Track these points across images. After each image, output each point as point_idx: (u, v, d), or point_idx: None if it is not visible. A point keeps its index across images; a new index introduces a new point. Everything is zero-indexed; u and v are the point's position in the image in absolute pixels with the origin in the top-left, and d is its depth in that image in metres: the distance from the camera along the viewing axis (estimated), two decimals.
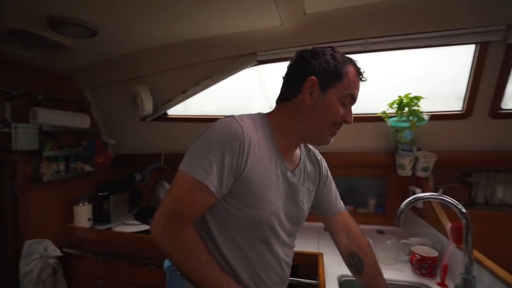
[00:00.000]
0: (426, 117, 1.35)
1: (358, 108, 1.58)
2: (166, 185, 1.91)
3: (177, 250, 0.66)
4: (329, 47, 0.77)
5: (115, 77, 1.74)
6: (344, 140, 1.67)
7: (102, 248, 1.67)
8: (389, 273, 1.18)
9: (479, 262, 0.95)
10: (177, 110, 1.90)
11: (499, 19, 1.12)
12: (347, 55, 0.77)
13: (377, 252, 1.29)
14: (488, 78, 1.27)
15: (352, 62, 0.76)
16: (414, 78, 1.43)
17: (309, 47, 0.78)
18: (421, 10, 1.17)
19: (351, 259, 0.93)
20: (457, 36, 1.20)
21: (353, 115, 0.76)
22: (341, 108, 0.74)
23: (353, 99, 0.76)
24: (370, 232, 1.62)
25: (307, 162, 0.87)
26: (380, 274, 0.91)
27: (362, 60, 1.46)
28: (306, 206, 0.85)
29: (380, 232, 1.64)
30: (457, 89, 1.39)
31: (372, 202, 1.79)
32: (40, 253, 1.56)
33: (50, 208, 1.69)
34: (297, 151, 0.84)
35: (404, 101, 1.36)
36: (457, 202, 0.95)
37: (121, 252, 1.62)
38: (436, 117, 1.41)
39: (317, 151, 0.95)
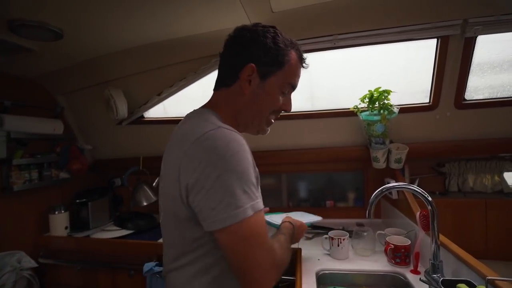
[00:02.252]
0: (396, 110, 1.39)
1: (331, 103, 1.64)
2: (146, 188, 1.88)
3: (279, 272, 0.63)
4: (272, 27, 0.71)
5: (88, 81, 1.70)
6: (319, 135, 1.70)
7: (81, 257, 1.62)
8: (366, 264, 1.20)
9: (446, 247, 0.98)
10: (157, 112, 1.89)
11: (456, 14, 1.17)
12: (291, 38, 0.72)
13: (355, 244, 1.32)
14: (450, 70, 1.33)
15: (295, 47, 0.72)
16: (383, 73, 1.48)
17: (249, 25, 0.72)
18: (385, 7, 1.20)
19: None
20: (419, 31, 1.24)
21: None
22: (280, 97, 0.72)
23: (293, 88, 0.74)
24: (350, 225, 1.65)
25: None
26: None
27: (332, 56, 1.51)
28: None
29: (360, 224, 1.67)
30: (424, 82, 1.44)
31: (351, 196, 1.83)
32: (13, 266, 1.50)
33: (23, 218, 1.63)
34: None
35: (375, 95, 1.40)
36: (422, 190, 0.98)
37: (100, 259, 1.59)
38: (405, 109, 1.45)
39: None
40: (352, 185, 1.84)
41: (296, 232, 0.91)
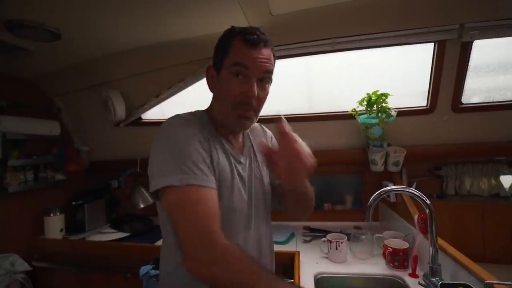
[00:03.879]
0: (393, 113, 1.40)
1: (329, 106, 1.64)
2: (143, 190, 1.86)
3: (231, 272, 0.56)
4: (230, 28, 0.73)
5: (85, 82, 1.69)
6: (317, 138, 1.70)
7: (76, 259, 1.60)
8: (364, 267, 1.20)
9: (444, 250, 0.98)
10: (154, 114, 1.88)
11: (453, 19, 1.19)
12: (239, 29, 0.70)
13: (353, 247, 1.32)
14: (448, 74, 1.34)
15: (238, 30, 0.70)
16: (381, 76, 1.48)
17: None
18: (383, 11, 1.22)
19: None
20: (417, 35, 1.25)
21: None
22: (236, 84, 0.68)
23: (245, 68, 0.67)
24: (348, 228, 1.64)
25: (251, 138, 0.85)
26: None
27: (330, 59, 1.51)
28: (266, 179, 0.84)
29: (358, 227, 1.66)
30: (422, 85, 1.45)
31: (349, 198, 1.83)
32: (6, 269, 1.47)
33: (18, 220, 1.61)
34: (240, 138, 0.82)
35: (373, 98, 1.40)
36: (421, 193, 0.98)
37: (96, 262, 1.56)
38: (403, 113, 1.46)
39: (264, 127, 0.94)
40: (350, 188, 1.84)
41: None
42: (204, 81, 1.52)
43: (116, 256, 1.53)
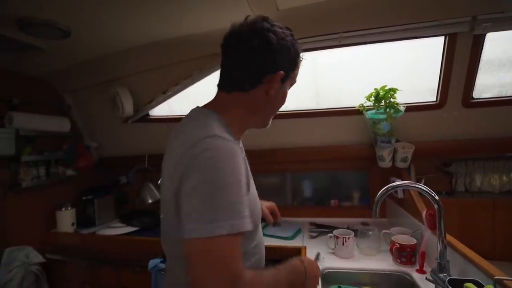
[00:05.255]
0: (402, 108, 1.38)
1: (336, 102, 1.63)
2: (152, 186, 1.89)
3: None
4: (287, 27, 0.70)
5: (94, 79, 1.72)
6: (324, 134, 1.70)
7: (87, 253, 1.64)
8: (371, 263, 1.20)
9: (452, 246, 0.97)
10: (162, 111, 1.90)
11: (465, 11, 1.16)
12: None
13: (360, 243, 1.32)
14: (458, 68, 1.31)
15: (300, 49, 0.73)
16: (389, 71, 1.46)
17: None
18: (392, 4, 1.19)
19: None
20: (427, 28, 1.23)
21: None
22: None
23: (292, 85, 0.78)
24: (354, 224, 1.64)
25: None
26: None
27: (337, 54, 1.50)
28: None
29: (365, 224, 1.66)
30: (430, 82, 1.43)
31: (356, 195, 1.82)
32: (21, 261, 1.52)
33: (31, 214, 1.66)
34: None
35: (381, 93, 1.39)
36: (429, 189, 0.97)
37: (106, 255, 1.60)
38: (412, 108, 1.44)
39: None
40: (357, 184, 1.83)
41: (308, 278, 0.73)
42: (211, 77, 1.55)
43: (125, 250, 1.57)
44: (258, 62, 0.66)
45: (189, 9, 1.11)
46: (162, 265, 1.41)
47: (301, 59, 0.74)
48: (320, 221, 1.70)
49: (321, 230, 1.56)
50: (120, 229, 1.73)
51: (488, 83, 1.48)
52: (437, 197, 0.95)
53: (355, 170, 1.81)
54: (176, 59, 1.53)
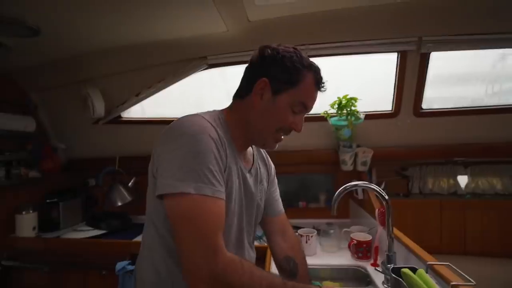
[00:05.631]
0: (361, 116, 1.51)
1: None
2: (122, 189, 1.86)
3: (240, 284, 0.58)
4: (293, 47, 0.72)
5: (64, 79, 1.69)
6: (293, 139, 1.77)
7: (50, 258, 1.57)
8: (332, 259, 1.29)
9: (399, 240, 1.09)
10: (135, 113, 1.89)
11: (412, 32, 1.32)
12: (311, 61, 0.72)
13: (323, 241, 1.41)
14: (409, 82, 1.47)
15: (313, 69, 0.71)
16: (351, 81, 1.60)
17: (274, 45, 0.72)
18: (353, 21, 1.32)
19: (286, 263, 0.91)
20: (381, 45, 1.38)
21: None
22: (290, 115, 0.71)
23: (305, 108, 0.73)
24: (321, 224, 1.73)
25: (259, 161, 0.87)
26: (309, 282, 0.93)
27: None
28: (262, 204, 0.85)
29: (330, 224, 1.76)
30: (388, 91, 1.58)
31: (322, 197, 1.92)
32: None
33: None
34: (250, 149, 0.83)
35: (343, 102, 1.51)
36: (379, 188, 1.08)
37: (70, 259, 1.55)
38: (370, 116, 1.58)
39: (264, 150, 0.94)
40: (324, 186, 1.94)
41: None
42: (185, 81, 1.59)
43: (91, 253, 1.53)
44: (251, 70, 0.73)
45: (163, 15, 1.16)
46: (129, 267, 1.40)
47: (318, 82, 0.71)
48: (296, 223, 1.77)
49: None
50: (86, 233, 1.69)
51: (437, 96, 1.67)
52: (386, 196, 1.06)
53: (322, 173, 1.92)
54: (150, 63, 1.56)
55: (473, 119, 1.61)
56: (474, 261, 1.58)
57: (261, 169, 0.86)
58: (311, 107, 0.74)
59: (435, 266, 0.81)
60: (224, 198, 0.63)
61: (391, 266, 0.96)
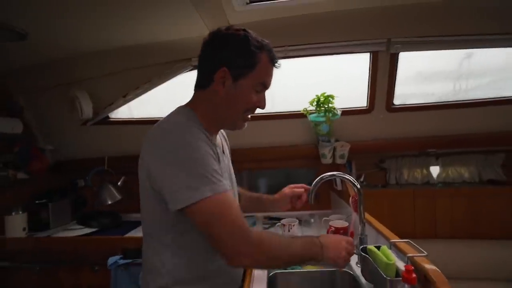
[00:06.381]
0: (338, 112, 1.62)
1: (285, 106, 1.83)
2: (111, 188, 1.91)
3: (268, 257, 0.72)
4: (243, 29, 0.75)
5: (51, 81, 1.72)
6: (278, 135, 1.89)
7: (41, 257, 1.61)
8: None
9: (370, 223, 1.19)
10: (122, 113, 1.94)
11: (382, 34, 1.43)
12: (262, 40, 0.76)
13: (304, 230, 1.51)
14: (381, 80, 1.59)
15: (266, 48, 0.75)
16: (328, 80, 1.70)
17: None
18: (327, 24, 1.42)
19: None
20: (354, 46, 1.48)
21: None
22: (253, 95, 0.76)
23: (265, 87, 0.79)
24: (303, 216, 1.83)
25: (221, 138, 0.94)
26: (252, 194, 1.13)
27: (284, 64, 1.69)
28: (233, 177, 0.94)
29: (312, 215, 1.87)
30: (363, 89, 1.69)
31: None
32: None
33: None
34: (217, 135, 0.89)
35: (321, 99, 1.61)
36: (352, 178, 1.17)
37: (63, 257, 1.59)
38: (347, 112, 1.69)
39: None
40: (307, 180, 2.02)
41: (324, 249, 0.80)
42: (170, 82, 1.65)
43: (83, 250, 1.58)
44: (208, 59, 0.77)
45: (147, 20, 1.22)
46: (121, 261, 1.46)
47: (272, 60, 0.76)
48: (274, 215, 1.87)
49: (272, 221, 1.73)
50: (77, 231, 1.73)
51: (412, 93, 1.80)
52: (357, 184, 1.16)
53: (306, 168, 2.02)
54: (136, 65, 1.61)
55: (443, 113, 1.74)
56: (444, 243, 1.72)
57: (224, 145, 0.93)
58: (270, 84, 0.80)
59: (397, 243, 0.91)
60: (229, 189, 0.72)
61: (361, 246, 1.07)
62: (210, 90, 0.77)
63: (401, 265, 0.84)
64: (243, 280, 0.96)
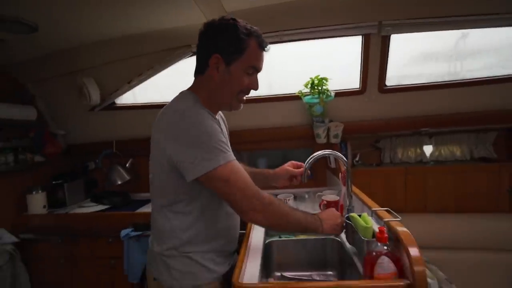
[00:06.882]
0: (332, 94, 1.69)
1: (281, 89, 1.90)
2: (120, 169, 2.05)
3: (277, 216, 0.84)
4: (232, 19, 0.83)
5: (60, 70, 1.82)
6: (276, 116, 1.98)
7: (60, 231, 1.78)
8: None
9: (356, 196, 1.30)
10: (127, 99, 2.04)
11: (373, 17, 1.47)
12: (250, 27, 0.84)
13: (299, 205, 1.63)
14: (374, 61, 1.64)
15: (254, 34, 0.83)
16: (321, 63, 1.76)
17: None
18: (320, 8, 1.47)
19: None
20: (347, 29, 1.53)
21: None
22: (245, 78, 0.85)
23: (256, 70, 0.87)
24: (301, 193, 1.95)
25: (222, 124, 1.02)
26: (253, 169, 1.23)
27: (280, 48, 1.75)
28: None
29: (308, 192, 1.98)
30: (357, 71, 1.75)
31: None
32: None
33: (2, 199, 1.75)
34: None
35: (315, 82, 1.68)
36: (340, 155, 1.27)
37: (79, 231, 1.76)
38: (341, 94, 1.76)
39: None
40: (304, 159, 2.13)
41: (323, 222, 0.96)
42: (171, 68, 1.74)
43: (98, 224, 1.74)
44: (203, 48, 0.86)
45: (148, 9, 1.29)
46: (133, 233, 1.62)
47: (261, 45, 0.84)
48: (273, 192, 1.99)
49: (269, 194, 1.85)
50: (91, 208, 1.88)
51: (406, 74, 1.84)
52: (345, 159, 1.26)
53: (302, 148, 2.12)
54: (139, 52, 1.70)
55: (435, 93, 1.78)
56: (433, 217, 1.83)
57: (222, 126, 1.00)
58: (261, 67, 0.88)
59: (377, 211, 1.02)
60: None
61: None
62: (206, 76, 0.87)
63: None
64: (240, 242, 1.08)
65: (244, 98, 0.92)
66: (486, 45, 1.81)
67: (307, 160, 1.28)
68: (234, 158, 0.82)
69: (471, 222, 1.78)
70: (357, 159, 2.14)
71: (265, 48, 0.87)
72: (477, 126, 1.92)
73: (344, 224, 1.05)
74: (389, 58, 1.62)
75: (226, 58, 0.83)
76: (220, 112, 1.04)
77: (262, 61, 0.88)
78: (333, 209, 1.09)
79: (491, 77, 1.73)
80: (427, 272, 1.20)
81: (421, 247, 0.77)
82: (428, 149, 2.06)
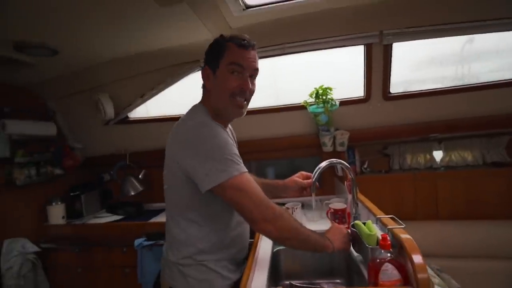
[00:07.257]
0: (336, 103, 1.72)
1: (288, 99, 1.95)
2: (134, 180, 2.13)
3: (287, 228, 0.86)
4: (221, 36, 0.93)
5: (77, 87, 1.94)
6: (283, 126, 2.02)
7: (78, 240, 1.87)
8: (313, 226, 1.47)
9: (363, 203, 1.31)
10: (140, 113, 2.14)
11: (374, 27, 1.51)
12: (230, 35, 0.91)
13: (306, 213, 1.64)
14: (377, 70, 1.67)
15: (233, 38, 0.89)
16: (326, 73, 1.80)
17: None
18: (322, 21, 1.51)
19: None
20: (349, 39, 1.57)
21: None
22: (232, 78, 0.88)
23: (241, 67, 0.88)
24: (308, 201, 1.96)
25: (230, 136, 1.04)
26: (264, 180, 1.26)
27: (284, 61, 1.80)
28: None
29: (315, 200, 1.99)
30: (359, 79, 1.78)
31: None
32: (18, 251, 1.72)
33: (25, 210, 1.86)
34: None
35: (320, 91, 1.71)
36: (345, 163, 1.29)
37: (95, 241, 1.84)
38: (345, 102, 1.78)
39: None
40: (312, 168, 2.15)
41: (333, 241, 0.98)
42: (181, 82, 1.82)
43: (113, 234, 1.81)
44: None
45: (161, 30, 1.38)
46: (146, 243, 1.68)
47: (240, 44, 0.87)
48: (282, 201, 2.02)
49: (280, 206, 1.87)
50: (107, 218, 1.97)
51: (410, 80, 1.85)
52: (349, 167, 1.28)
53: (309, 156, 2.14)
54: (151, 68, 1.79)
55: (442, 98, 1.77)
56: (445, 224, 1.80)
57: (231, 135, 1.05)
58: (247, 65, 0.89)
59: (382, 218, 1.03)
60: None
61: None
62: (206, 88, 0.96)
63: None
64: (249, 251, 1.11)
65: (244, 102, 0.93)
66: (493, 48, 1.80)
67: (314, 172, 1.30)
68: (246, 170, 0.85)
69: (484, 229, 1.73)
70: (365, 166, 2.13)
71: (247, 47, 0.89)
72: (488, 130, 1.89)
73: (349, 231, 1.07)
74: (393, 65, 1.64)
75: (212, 66, 0.91)
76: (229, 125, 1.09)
77: (247, 59, 0.89)
78: (335, 224, 1.09)
79: (501, 81, 1.71)
80: (439, 281, 1.19)
81: (433, 256, 0.77)
82: (438, 155, 2.03)
